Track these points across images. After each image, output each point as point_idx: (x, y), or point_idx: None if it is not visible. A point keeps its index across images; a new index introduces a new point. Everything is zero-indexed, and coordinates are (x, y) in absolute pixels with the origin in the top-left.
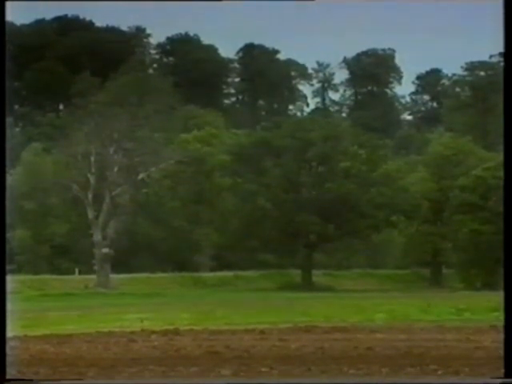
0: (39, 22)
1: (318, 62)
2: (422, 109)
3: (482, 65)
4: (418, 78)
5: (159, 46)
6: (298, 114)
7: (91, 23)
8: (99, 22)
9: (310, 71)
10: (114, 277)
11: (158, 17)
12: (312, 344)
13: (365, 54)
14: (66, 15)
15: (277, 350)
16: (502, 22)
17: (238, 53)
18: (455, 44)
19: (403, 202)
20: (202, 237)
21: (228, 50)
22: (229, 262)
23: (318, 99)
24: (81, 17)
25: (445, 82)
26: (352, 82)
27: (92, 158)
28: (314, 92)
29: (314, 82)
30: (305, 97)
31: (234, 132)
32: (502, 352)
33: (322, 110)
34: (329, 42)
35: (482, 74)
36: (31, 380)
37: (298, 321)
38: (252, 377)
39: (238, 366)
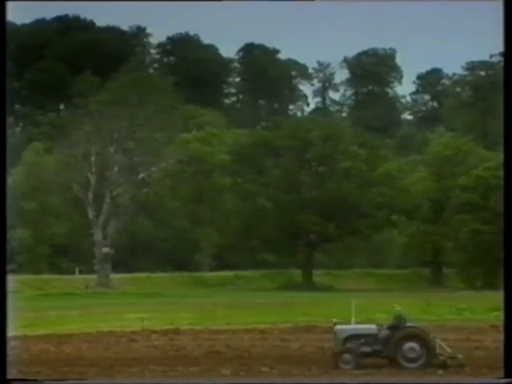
0: (40, 22)
1: (318, 62)
2: (423, 108)
3: (482, 64)
4: (419, 77)
5: (159, 45)
6: (299, 113)
7: (92, 23)
8: (100, 22)
9: (310, 71)
10: (114, 276)
11: (158, 17)
12: (312, 344)
13: (365, 53)
14: (66, 15)
15: (277, 350)
16: (501, 22)
17: (238, 52)
18: (455, 44)
19: (404, 201)
20: (203, 236)
21: (228, 50)
22: (229, 262)
23: (318, 99)
24: (81, 17)
25: (445, 81)
26: (352, 81)
27: (92, 158)
28: (314, 92)
29: (315, 81)
30: (305, 96)
31: (234, 132)
32: (502, 352)
33: (322, 110)
34: (329, 41)
35: (483, 73)
36: (32, 380)
37: (298, 320)
38: (252, 377)
39: (238, 366)
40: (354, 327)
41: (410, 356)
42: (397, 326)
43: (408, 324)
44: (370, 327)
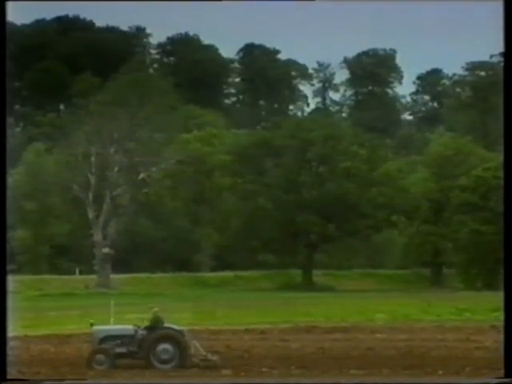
0: (39, 22)
1: (318, 62)
2: (423, 109)
3: (482, 65)
4: (419, 78)
5: (159, 45)
6: (299, 113)
7: (91, 23)
8: (99, 22)
9: (310, 71)
10: (114, 277)
11: (158, 17)
12: (312, 344)
13: (365, 53)
14: (66, 15)
15: (277, 350)
16: (502, 22)
17: (238, 53)
18: (455, 44)
19: (404, 202)
20: (203, 237)
21: (228, 50)
22: (229, 262)
23: (318, 99)
24: (81, 17)
25: (445, 82)
26: (352, 82)
27: (92, 158)
28: (314, 92)
29: (315, 81)
30: (305, 97)
31: (234, 132)
32: (502, 352)
33: (322, 110)
34: (329, 41)
35: (483, 74)
36: (32, 380)
37: (298, 321)
38: (252, 377)
39: (238, 366)
40: (110, 328)
41: (164, 357)
42: (153, 327)
43: (165, 325)
44: (127, 328)
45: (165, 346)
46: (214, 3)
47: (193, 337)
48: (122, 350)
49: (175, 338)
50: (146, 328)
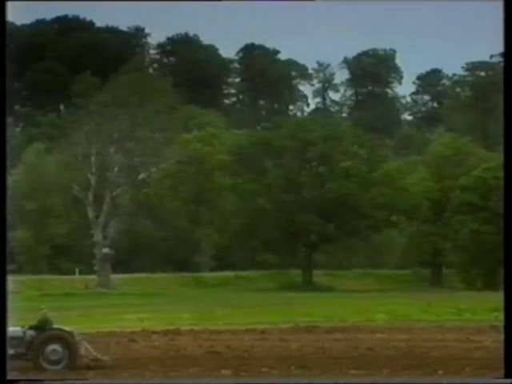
0: (39, 22)
1: (318, 62)
2: (423, 109)
3: (482, 65)
4: (419, 78)
5: (159, 46)
6: (299, 114)
7: (91, 23)
8: (99, 22)
9: (310, 71)
10: (114, 277)
11: (157, 17)
12: (312, 344)
13: (365, 54)
14: (66, 15)
15: (277, 350)
16: (502, 22)
17: (238, 53)
18: (455, 44)
19: (403, 202)
20: (203, 237)
21: (228, 50)
22: (229, 262)
23: (318, 99)
24: (81, 17)
25: (445, 82)
26: (352, 82)
27: (92, 158)
28: (314, 92)
29: (315, 82)
30: (305, 97)
31: (234, 132)
32: (502, 352)
33: (322, 110)
34: (329, 41)
35: (483, 74)
36: (32, 380)
37: (298, 321)
38: (252, 377)
39: (238, 366)
40: None
41: (52, 358)
42: (41, 328)
43: (54, 326)
44: (15, 330)
45: (54, 347)
46: (214, 3)
47: (83, 338)
48: (10, 351)
49: (64, 339)
50: (35, 329)
